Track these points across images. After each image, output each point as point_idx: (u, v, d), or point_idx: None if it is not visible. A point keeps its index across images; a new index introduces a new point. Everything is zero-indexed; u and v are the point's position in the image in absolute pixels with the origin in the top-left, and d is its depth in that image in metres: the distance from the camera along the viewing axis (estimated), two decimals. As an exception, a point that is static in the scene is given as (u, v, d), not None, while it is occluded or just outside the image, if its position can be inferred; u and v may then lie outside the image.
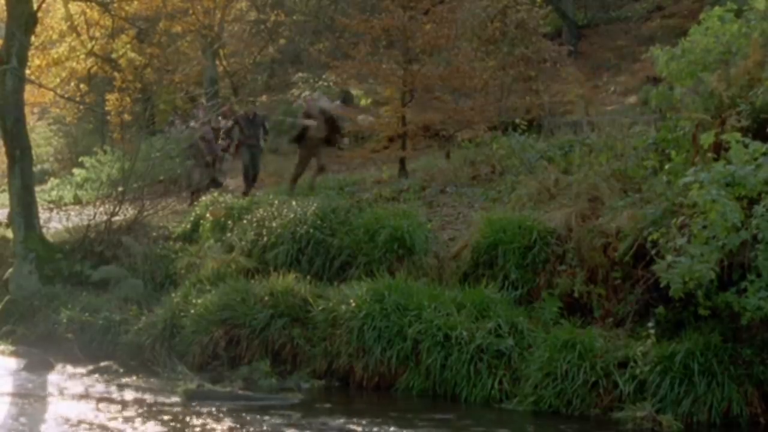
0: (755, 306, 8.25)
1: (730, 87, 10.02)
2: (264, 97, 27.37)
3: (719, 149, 9.24)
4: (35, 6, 16.27)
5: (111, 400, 9.98)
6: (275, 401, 9.79)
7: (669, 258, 8.63)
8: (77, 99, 26.81)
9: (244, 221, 13.49)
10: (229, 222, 13.93)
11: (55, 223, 16.98)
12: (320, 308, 10.98)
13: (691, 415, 8.60)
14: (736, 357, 8.78)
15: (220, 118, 21.48)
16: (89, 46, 26.52)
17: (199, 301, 11.75)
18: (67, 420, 9.11)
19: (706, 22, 10.47)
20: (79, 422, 9.01)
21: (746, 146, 8.60)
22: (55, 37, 26.40)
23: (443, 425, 8.83)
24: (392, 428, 8.64)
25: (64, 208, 19.47)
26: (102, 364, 11.70)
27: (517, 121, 15.99)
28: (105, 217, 15.55)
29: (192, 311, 11.66)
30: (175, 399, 9.93)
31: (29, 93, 21.65)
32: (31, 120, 25.14)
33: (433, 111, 18.51)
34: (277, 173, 17.76)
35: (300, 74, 28.65)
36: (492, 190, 13.44)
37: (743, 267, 8.64)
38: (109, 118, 27.72)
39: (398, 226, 11.87)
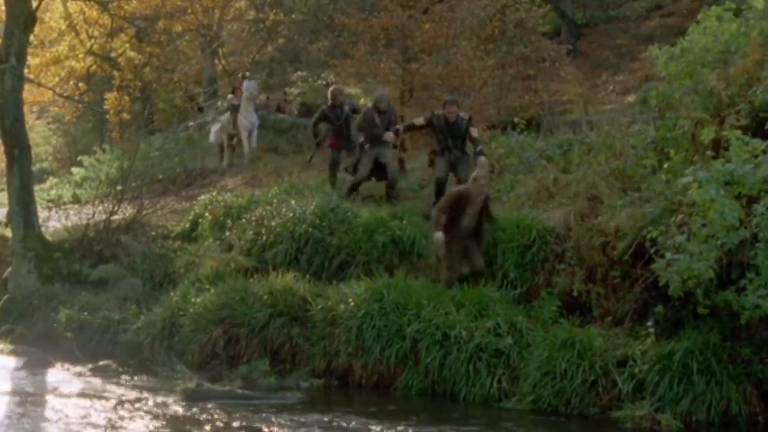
0: (754, 305, 8.25)
1: (729, 86, 10.03)
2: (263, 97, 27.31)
3: (718, 148, 9.25)
4: (34, 5, 16.27)
5: (110, 399, 9.96)
6: (274, 400, 9.78)
7: (668, 256, 8.64)
8: (76, 98, 26.88)
9: (243, 220, 13.49)
10: (228, 221, 13.93)
11: (54, 222, 16.96)
12: (319, 307, 10.97)
13: (690, 414, 8.60)
14: (735, 356, 8.77)
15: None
16: (88, 45, 26.57)
17: (198, 300, 11.75)
18: (65, 419, 9.10)
19: (705, 21, 10.48)
20: (78, 421, 8.99)
21: (746, 144, 8.60)
22: (54, 36, 26.49)
23: (442, 424, 8.81)
24: (391, 427, 8.63)
25: (63, 207, 19.46)
26: (101, 363, 11.70)
27: (516, 120, 16.00)
28: (104, 216, 15.56)
29: (191, 310, 11.66)
30: (174, 398, 9.91)
31: (28, 92, 21.74)
32: (30, 119, 25.24)
33: (432, 110, 18.52)
34: (276, 172, 17.72)
35: (299, 73, 28.66)
36: (491, 189, 13.42)
37: (742, 266, 8.64)
38: (108, 117, 27.81)
39: (397, 227, 11.93)
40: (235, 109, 20.10)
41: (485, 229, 11.05)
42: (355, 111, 14.81)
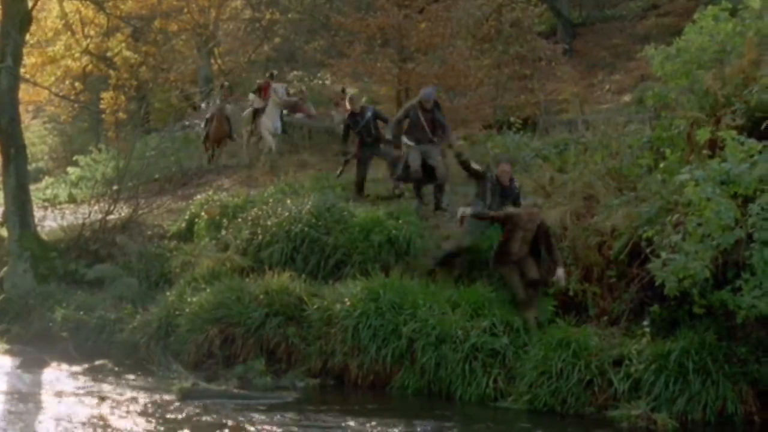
0: (750, 304, 8.26)
1: (725, 86, 10.03)
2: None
3: (714, 147, 9.27)
4: (30, 4, 16.24)
5: (106, 399, 9.95)
6: (270, 400, 9.77)
7: (664, 255, 8.64)
8: (72, 97, 26.87)
9: (239, 220, 13.47)
10: (224, 220, 13.91)
11: (50, 222, 16.96)
12: (315, 307, 10.96)
13: (686, 414, 8.61)
14: (731, 355, 8.79)
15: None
16: (84, 44, 26.56)
17: (194, 299, 11.74)
18: (61, 418, 9.08)
19: (701, 21, 10.50)
20: (74, 421, 8.98)
21: (741, 144, 8.61)
22: (50, 35, 26.47)
23: (438, 423, 8.81)
24: (387, 427, 8.63)
25: (58, 206, 19.47)
26: (97, 362, 11.68)
27: (512, 119, 16.03)
28: (100, 216, 15.55)
29: (187, 310, 11.65)
30: (170, 398, 9.90)
31: (24, 91, 21.72)
32: (26, 118, 25.23)
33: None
34: (272, 171, 17.72)
35: (295, 73, 28.69)
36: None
37: (738, 265, 8.65)
38: (104, 116, 27.81)
39: (393, 226, 11.92)
40: (258, 112, 19.39)
41: (552, 255, 10.24)
42: (377, 117, 14.33)
